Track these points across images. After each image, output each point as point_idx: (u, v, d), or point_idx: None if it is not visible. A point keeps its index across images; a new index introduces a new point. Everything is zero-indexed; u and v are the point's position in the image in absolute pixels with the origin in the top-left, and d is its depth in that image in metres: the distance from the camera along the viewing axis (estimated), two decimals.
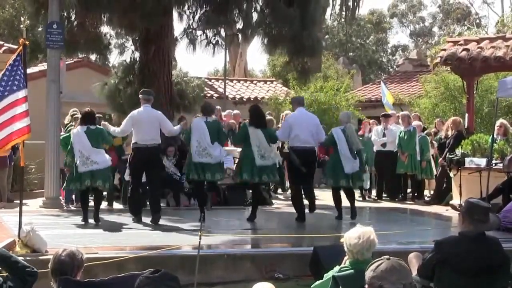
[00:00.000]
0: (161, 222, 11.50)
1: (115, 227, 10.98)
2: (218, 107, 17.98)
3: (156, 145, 11.56)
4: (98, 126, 11.66)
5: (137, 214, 11.65)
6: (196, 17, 15.76)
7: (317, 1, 15.92)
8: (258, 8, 15.88)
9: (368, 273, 3.97)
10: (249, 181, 11.92)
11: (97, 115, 13.45)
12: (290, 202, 15.36)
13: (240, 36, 16.20)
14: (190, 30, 15.66)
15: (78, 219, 11.59)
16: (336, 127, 12.53)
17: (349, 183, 12.18)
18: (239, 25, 15.88)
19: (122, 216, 12.15)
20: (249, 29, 15.71)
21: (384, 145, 16.04)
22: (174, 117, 16.05)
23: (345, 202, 15.62)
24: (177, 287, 4.16)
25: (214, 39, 15.79)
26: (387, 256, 4.07)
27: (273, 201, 15.20)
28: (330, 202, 14.84)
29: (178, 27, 16.19)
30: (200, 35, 15.74)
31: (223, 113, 17.82)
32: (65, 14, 15.09)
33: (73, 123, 13.44)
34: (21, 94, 8.39)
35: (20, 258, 5.34)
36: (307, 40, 15.28)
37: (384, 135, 16.09)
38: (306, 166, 11.98)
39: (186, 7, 15.82)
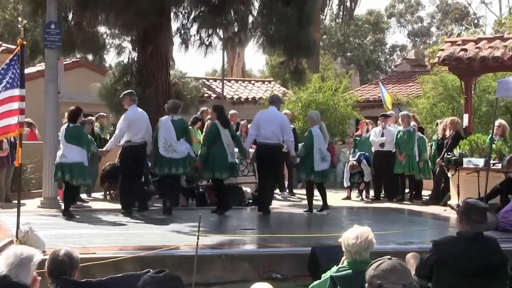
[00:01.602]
0: (159, 222, 11.53)
1: (113, 227, 10.97)
2: None
3: (144, 142, 12.37)
4: (78, 124, 12.25)
5: (130, 209, 12.23)
6: (191, 17, 15.74)
7: (314, 0, 15.90)
8: (256, 7, 15.88)
9: (369, 272, 3.97)
10: (223, 179, 12.52)
11: (98, 115, 13.63)
12: (288, 202, 15.46)
13: (236, 39, 16.16)
14: (184, 30, 15.62)
15: (76, 219, 11.59)
16: (313, 126, 12.95)
17: (321, 179, 12.94)
18: (235, 28, 15.86)
19: (120, 216, 12.14)
20: (245, 32, 15.70)
21: (382, 145, 16.04)
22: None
23: (344, 203, 15.70)
24: None
25: (208, 40, 15.77)
26: (388, 256, 4.07)
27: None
28: (330, 201, 14.88)
29: (175, 27, 16.13)
30: (194, 35, 15.72)
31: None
32: (63, 14, 15.06)
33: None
34: (15, 92, 8.44)
35: None
36: (304, 39, 15.28)
37: (382, 135, 16.09)
38: (267, 162, 12.56)
39: (182, 7, 15.81)
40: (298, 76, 17.10)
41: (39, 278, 4.42)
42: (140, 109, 12.40)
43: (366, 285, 3.98)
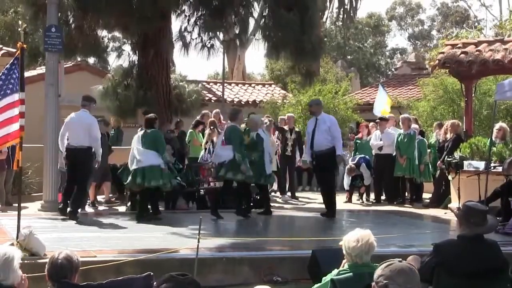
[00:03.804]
0: (160, 225, 11.53)
1: (113, 230, 10.96)
2: (217, 110, 18.05)
3: (85, 147, 12.23)
4: (153, 130, 12.52)
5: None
6: (192, 20, 15.76)
7: (316, 4, 15.90)
8: (258, 13, 15.89)
9: (378, 271, 3.96)
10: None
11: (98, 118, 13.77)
12: (289, 205, 15.45)
13: (237, 41, 16.16)
14: (186, 33, 15.64)
15: (77, 223, 11.60)
16: (257, 131, 13.24)
17: (268, 181, 13.36)
18: (236, 30, 15.87)
19: (121, 219, 12.15)
20: (246, 34, 15.70)
21: (380, 148, 16.05)
22: (172, 120, 16.06)
23: (345, 206, 15.70)
24: None
25: (209, 42, 15.78)
26: (399, 259, 4.07)
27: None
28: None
29: (175, 30, 16.16)
30: (195, 38, 15.74)
31: (221, 116, 17.84)
32: (63, 17, 15.07)
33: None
34: (16, 97, 8.45)
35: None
36: (308, 43, 15.27)
37: (381, 139, 16.11)
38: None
39: (183, 10, 15.82)
40: (309, 79, 17.02)
41: (26, 278, 4.43)
42: (83, 114, 12.38)
43: (373, 284, 3.97)
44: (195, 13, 15.64)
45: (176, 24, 16.59)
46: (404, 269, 3.95)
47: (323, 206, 13.94)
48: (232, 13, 15.31)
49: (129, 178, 12.29)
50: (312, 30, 15.58)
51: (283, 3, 14.98)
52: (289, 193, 16.90)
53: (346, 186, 16.78)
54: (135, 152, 12.27)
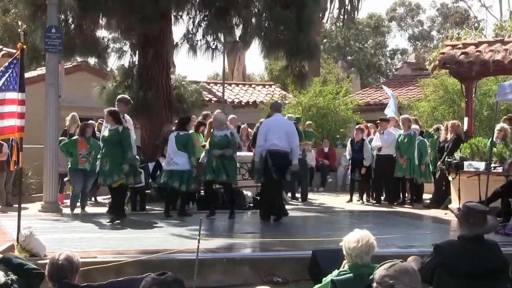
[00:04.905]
0: (160, 225, 11.53)
1: (114, 231, 10.96)
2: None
3: None
4: (186, 132, 12.85)
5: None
6: (196, 22, 15.77)
7: (314, 3, 15.88)
8: (256, 11, 15.88)
9: (380, 271, 3.95)
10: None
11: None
12: (289, 206, 15.45)
13: (240, 42, 16.17)
14: (190, 35, 15.66)
15: (77, 224, 11.59)
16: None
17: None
18: (239, 31, 15.89)
19: (121, 220, 12.14)
20: (249, 35, 15.70)
21: (379, 149, 16.05)
22: (173, 121, 16.05)
23: (345, 206, 15.70)
24: None
25: (214, 44, 15.79)
26: (400, 260, 4.08)
27: None
28: (331, 204, 14.85)
29: (177, 31, 16.25)
30: (200, 39, 15.76)
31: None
32: (63, 17, 15.04)
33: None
34: (13, 95, 8.46)
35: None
36: (304, 42, 15.25)
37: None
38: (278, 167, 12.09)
39: (185, 12, 15.84)
40: (301, 80, 17.02)
41: None
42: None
43: (374, 285, 3.96)
44: (198, 15, 15.66)
45: (177, 24, 16.70)
46: (408, 269, 3.96)
47: (323, 206, 13.98)
48: (235, 14, 15.32)
49: (164, 178, 12.56)
50: (310, 29, 15.55)
51: (279, 0, 14.96)
52: (289, 194, 16.89)
53: (348, 155, 17.20)
54: (172, 153, 12.56)
